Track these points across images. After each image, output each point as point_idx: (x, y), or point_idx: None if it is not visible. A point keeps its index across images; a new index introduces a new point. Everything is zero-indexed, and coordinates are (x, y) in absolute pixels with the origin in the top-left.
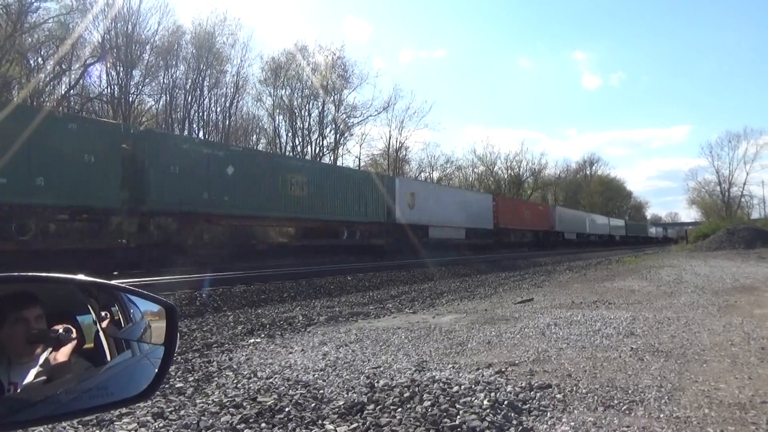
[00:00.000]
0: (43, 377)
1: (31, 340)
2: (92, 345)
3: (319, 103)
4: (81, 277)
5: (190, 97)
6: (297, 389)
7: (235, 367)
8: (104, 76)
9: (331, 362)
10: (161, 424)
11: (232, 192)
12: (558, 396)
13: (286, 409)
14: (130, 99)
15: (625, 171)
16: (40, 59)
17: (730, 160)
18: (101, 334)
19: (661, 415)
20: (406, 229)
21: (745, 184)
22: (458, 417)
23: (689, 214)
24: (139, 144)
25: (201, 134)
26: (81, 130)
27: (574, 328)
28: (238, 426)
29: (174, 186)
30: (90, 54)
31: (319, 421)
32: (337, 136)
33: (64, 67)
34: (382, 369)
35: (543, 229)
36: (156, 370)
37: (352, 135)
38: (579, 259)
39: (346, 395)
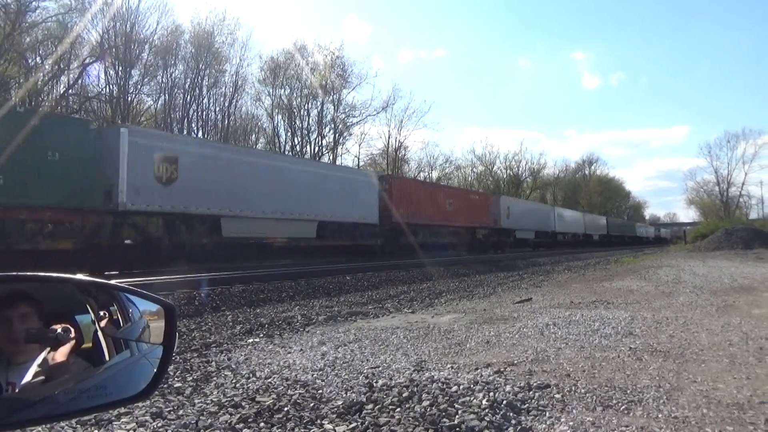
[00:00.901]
0: (42, 377)
1: (29, 339)
2: (91, 345)
3: (318, 103)
4: (80, 276)
5: (189, 97)
6: (296, 389)
7: (233, 366)
8: (103, 76)
9: (330, 362)
10: (160, 424)
11: None
12: (557, 396)
13: (285, 409)
14: (129, 98)
15: (624, 171)
16: (38, 58)
17: (728, 160)
18: (100, 333)
19: (660, 415)
20: (151, 223)
21: (743, 184)
22: (457, 417)
23: (688, 214)
24: None
25: (200, 134)
26: None
27: (573, 328)
28: (237, 426)
29: None
30: (88, 53)
31: (318, 421)
32: (336, 135)
33: (62, 66)
34: (380, 369)
35: (482, 225)
36: (155, 370)
37: (351, 135)
38: (577, 259)
39: (344, 395)
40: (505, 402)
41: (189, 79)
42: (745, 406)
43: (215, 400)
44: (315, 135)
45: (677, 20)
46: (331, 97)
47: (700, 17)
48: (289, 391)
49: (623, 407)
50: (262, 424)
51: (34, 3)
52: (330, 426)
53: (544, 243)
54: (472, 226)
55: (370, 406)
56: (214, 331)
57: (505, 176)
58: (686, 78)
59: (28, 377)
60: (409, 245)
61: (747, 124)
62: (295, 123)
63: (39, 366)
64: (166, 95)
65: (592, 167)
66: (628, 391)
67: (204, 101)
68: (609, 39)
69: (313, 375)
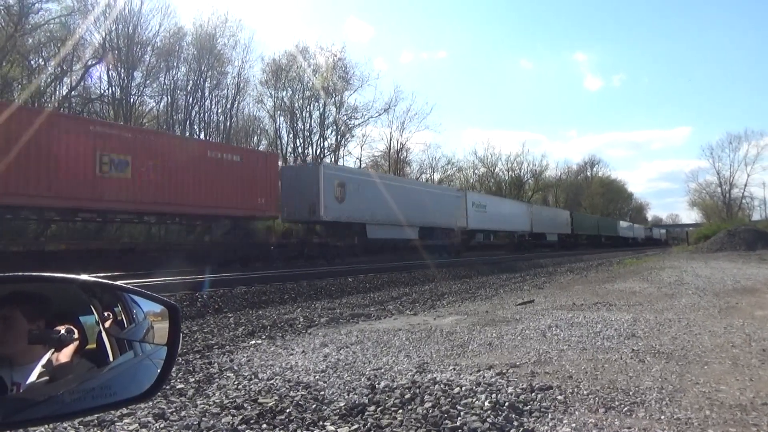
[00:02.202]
0: (46, 377)
1: (33, 340)
2: (95, 345)
3: (320, 105)
4: (84, 277)
5: (191, 99)
6: (298, 390)
7: (236, 368)
8: (105, 78)
9: (332, 364)
10: (162, 425)
11: None
12: (559, 397)
13: (287, 411)
14: (132, 100)
15: (626, 173)
16: (41, 60)
17: (731, 161)
18: (104, 334)
19: (662, 417)
20: None
21: (746, 185)
22: (459, 418)
23: (690, 216)
24: None
25: (202, 135)
26: None
27: (575, 330)
28: (239, 427)
29: None
30: (91, 55)
31: (320, 423)
32: (338, 137)
33: (65, 68)
34: (383, 370)
35: (247, 213)
36: (158, 371)
37: (353, 136)
38: (580, 260)
39: (347, 396)
40: (507, 403)
41: (191, 81)
42: (748, 408)
43: (217, 401)
44: (317, 137)
45: (679, 21)
46: (333, 99)
47: (702, 18)
48: (292, 393)
49: (626, 409)
50: (264, 426)
51: (36, 5)
52: (332, 427)
53: (439, 247)
54: (230, 215)
55: (372, 407)
56: (217, 333)
57: (507, 178)
58: (688, 79)
59: (32, 378)
60: None
61: (749, 125)
62: (297, 125)
63: (43, 366)
64: (169, 97)
65: (594, 169)
66: (631, 393)
67: (206, 103)
68: (611, 40)
69: (315, 376)
